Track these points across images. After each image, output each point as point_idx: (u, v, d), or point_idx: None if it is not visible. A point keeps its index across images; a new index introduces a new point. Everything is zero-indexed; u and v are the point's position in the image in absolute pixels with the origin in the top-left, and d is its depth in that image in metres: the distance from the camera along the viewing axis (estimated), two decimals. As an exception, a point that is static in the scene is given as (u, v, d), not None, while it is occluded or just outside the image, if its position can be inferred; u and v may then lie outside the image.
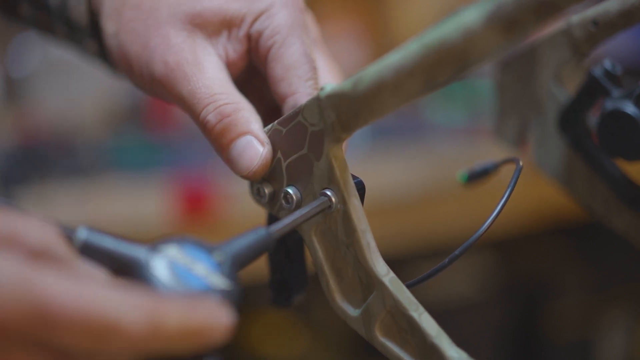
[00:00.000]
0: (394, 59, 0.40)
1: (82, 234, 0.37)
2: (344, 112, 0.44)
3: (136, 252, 0.37)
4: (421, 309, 0.45)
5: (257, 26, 0.52)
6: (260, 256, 0.43)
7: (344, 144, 0.47)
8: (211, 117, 0.49)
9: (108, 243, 0.37)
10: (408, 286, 0.47)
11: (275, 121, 0.49)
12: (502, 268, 1.75)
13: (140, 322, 0.33)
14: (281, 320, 1.63)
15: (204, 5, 0.51)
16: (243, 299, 0.38)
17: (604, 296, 1.77)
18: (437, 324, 0.45)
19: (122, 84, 1.32)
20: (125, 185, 1.39)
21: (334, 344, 1.65)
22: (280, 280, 0.54)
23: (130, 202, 1.33)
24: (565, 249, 1.80)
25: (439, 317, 0.46)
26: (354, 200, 0.47)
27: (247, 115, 0.49)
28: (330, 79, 0.54)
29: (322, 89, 0.45)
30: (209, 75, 0.50)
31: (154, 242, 0.38)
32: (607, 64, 0.55)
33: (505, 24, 0.36)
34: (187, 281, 0.36)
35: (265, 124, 0.50)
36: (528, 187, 1.23)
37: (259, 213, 0.52)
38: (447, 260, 0.47)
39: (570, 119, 0.58)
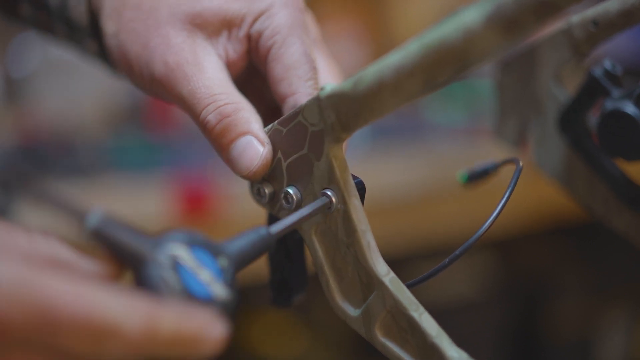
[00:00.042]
0: (394, 59, 0.40)
1: (94, 219, 0.36)
2: (344, 112, 0.44)
3: (145, 246, 0.37)
4: (421, 309, 0.45)
5: (257, 26, 0.52)
6: (260, 256, 0.43)
7: (344, 144, 0.47)
8: (211, 118, 0.49)
9: (118, 232, 0.37)
10: (408, 286, 0.47)
11: (276, 121, 0.49)
12: (502, 268, 1.75)
13: (138, 326, 0.34)
14: (281, 320, 1.63)
15: (204, 5, 0.51)
16: (239, 304, 0.38)
17: (604, 296, 1.77)
18: (437, 323, 0.45)
19: (122, 84, 1.32)
20: (125, 185, 1.39)
21: (334, 344, 1.65)
22: (280, 280, 0.54)
23: (130, 202, 1.33)
24: (565, 249, 1.80)
25: (439, 317, 0.46)
26: (354, 200, 0.47)
27: (247, 116, 0.49)
28: (330, 79, 0.54)
29: (322, 89, 0.45)
30: (209, 76, 0.50)
31: (164, 233, 0.38)
32: (607, 64, 0.55)
33: (505, 24, 0.36)
34: (189, 286, 0.36)
35: (265, 124, 0.50)
36: (528, 187, 1.23)
37: (259, 213, 0.52)
38: (447, 260, 0.47)
39: (570, 119, 0.58)
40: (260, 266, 0.53)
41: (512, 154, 0.62)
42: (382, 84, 0.41)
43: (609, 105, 0.53)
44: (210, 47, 0.51)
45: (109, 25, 0.53)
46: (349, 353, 1.64)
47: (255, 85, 0.55)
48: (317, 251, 0.49)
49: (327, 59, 0.55)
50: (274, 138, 0.49)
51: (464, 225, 1.38)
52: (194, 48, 0.51)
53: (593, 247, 1.76)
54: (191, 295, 0.36)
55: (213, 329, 0.35)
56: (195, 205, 1.30)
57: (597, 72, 0.55)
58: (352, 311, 0.48)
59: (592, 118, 0.57)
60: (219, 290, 0.37)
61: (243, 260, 0.41)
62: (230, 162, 0.49)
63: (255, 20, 0.52)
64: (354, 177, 0.48)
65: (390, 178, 1.44)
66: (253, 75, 0.54)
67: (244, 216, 1.26)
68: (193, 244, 0.38)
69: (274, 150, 0.49)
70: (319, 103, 0.45)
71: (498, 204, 0.48)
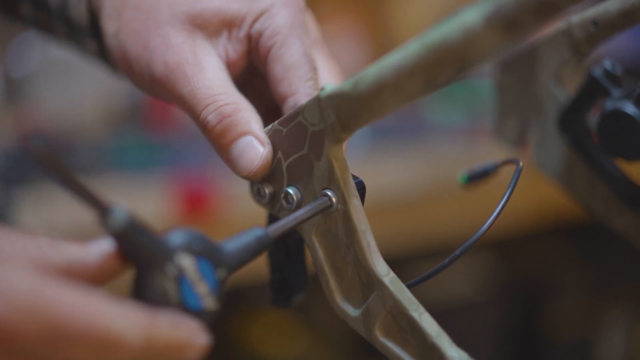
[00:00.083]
0: (394, 59, 0.40)
1: (118, 217, 0.37)
2: (344, 112, 0.44)
3: (159, 252, 0.38)
4: (421, 309, 0.45)
5: (258, 26, 0.52)
6: (258, 256, 0.43)
7: (344, 144, 0.47)
8: (211, 118, 0.49)
9: (138, 234, 0.37)
10: (408, 286, 0.47)
11: (276, 121, 0.49)
12: (502, 268, 1.75)
13: (138, 336, 0.35)
14: (281, 320, 1.63)
15: (204, 6, 0.51)
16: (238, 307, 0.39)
17: (604, 296, 1.77)
18: (437, 324, 0.45)
19: (122, 84, 1.32)
20: (125, 185, 1.39)
21: (334, 344, 1.65)
22: (280, 280, 0.54)
23: (130, 202, 1.33)
24: (565, 249, 1.80)
25: (439, 317, 0.46)
26: (355, 201, 0.47)
27: (247, 116, 0.49)
28: (330, 79, 0.54)
29: (322, 89, 0.45)
30: (209, 76, 0.50)
31: (171, 233, 0.38)
32: (607, 64, 0.55)
33: (506, 24, 0.36)
34: (185, 298, 0.38)
35: (265, 124, 0.50)
36: (528, 187, 1.23)
37: (259, 213, 0.52)
38: (447, 260, 0.47)
39: (570, 119, 0.58)
40: (260, 266, 0.53)
41: (512, 154, 0.62)
42: (382, 84, 0.41)
43: (609, 105, 0.53)
44: (211, 47, 0.51)
45: (109, 26, 0.53)
46: (349, 353, 1.64)
47: (255, 85, 0.55)
48: (317, 251, 0.49)
49: (327, 59, 0.55)
50: (274, 138, 0.49)
51: (464, 225, 1.38)
52: (194, 48, 0.51)
53: (593, 247, 1.76)
54: (185, 307, 0.38)
55: (199, 338, 0.38)
56: (195, 205, 1.30)
57: (597, 72, 0.55)
58: (352, 311, 0.48)
59: (592, 118, 0.57)
60: (210, 303, 0.39)
61: (240, 260, 0.42)
62: (230, 162, 0.49)
63: (255, 20, 0.52)
64: (354, 177, 0.48)
65: (390, 178, 1.44)
66: (253, 75, 0.54)
67: (244, 216, 1.26)
68: (199, 254, 0.39)
69: (274, 150, 0.49)
70: (319, 103, 0.45)
71: (498, 204, 0.48)
